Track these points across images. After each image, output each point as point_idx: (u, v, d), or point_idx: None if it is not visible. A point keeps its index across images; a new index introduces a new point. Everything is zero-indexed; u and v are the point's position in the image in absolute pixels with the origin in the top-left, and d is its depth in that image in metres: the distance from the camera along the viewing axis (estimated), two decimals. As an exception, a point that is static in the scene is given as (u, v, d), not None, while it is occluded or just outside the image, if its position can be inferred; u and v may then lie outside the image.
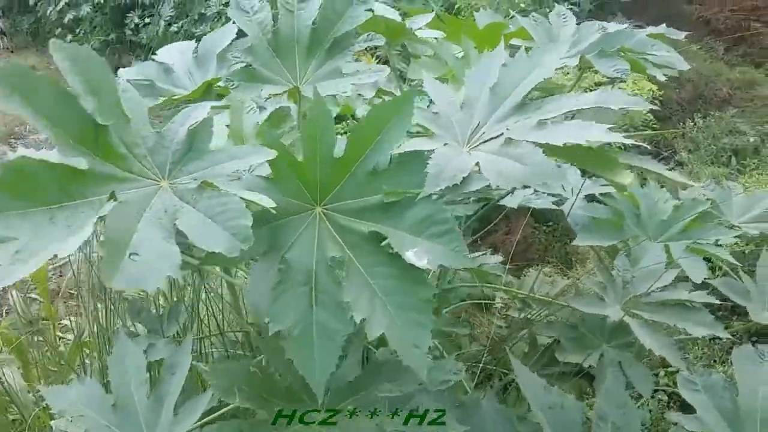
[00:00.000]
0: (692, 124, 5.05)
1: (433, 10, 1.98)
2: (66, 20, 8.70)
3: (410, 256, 1.18)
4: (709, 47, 6.12)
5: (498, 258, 2.60)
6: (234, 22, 1.76)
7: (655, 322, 1.86)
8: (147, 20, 7.94)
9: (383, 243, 1.24)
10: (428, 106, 1.55)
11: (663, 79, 1.86)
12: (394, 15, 1.84)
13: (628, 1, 6.20)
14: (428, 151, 1.26)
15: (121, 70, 1.76)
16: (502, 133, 1.29)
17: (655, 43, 1.90)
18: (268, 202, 1.15)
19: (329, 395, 1.44)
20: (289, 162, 1.28)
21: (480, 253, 2.63)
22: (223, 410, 1.46)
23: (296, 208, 1.29)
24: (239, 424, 1.41)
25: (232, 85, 1.64)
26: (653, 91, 4.75)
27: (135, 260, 1.05)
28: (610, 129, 1.22)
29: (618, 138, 1.22)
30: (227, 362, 1.47)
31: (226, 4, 6.56)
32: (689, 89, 5.39)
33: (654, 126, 4.84)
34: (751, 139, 4.81)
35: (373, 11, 1.68)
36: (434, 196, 1.22)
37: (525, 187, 1.17)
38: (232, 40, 1.82)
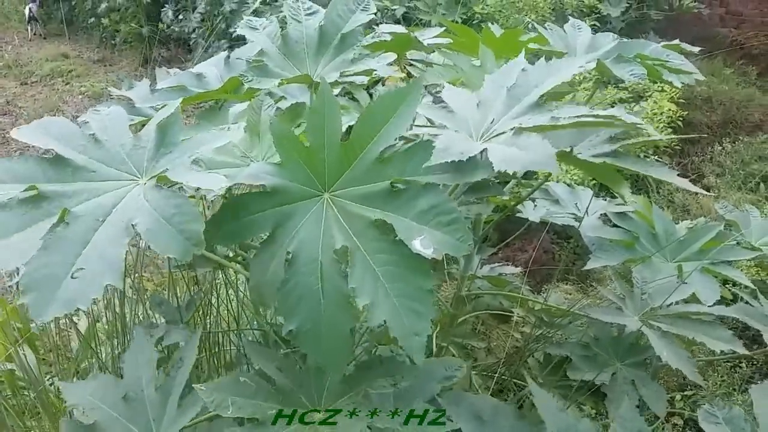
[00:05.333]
0: (721, 148, 5.00)
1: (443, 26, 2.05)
2: (99, 10, 8.81)
3: (416, 245, 1.18)
4: (743, 72, 6.06)
5: (516, 269, 2.59)
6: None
7: (672, 334, 1.84)
8: (180, 16, 8.02)
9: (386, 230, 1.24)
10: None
11: (678, 84, 1.89)
12: (402, 31, 1.90)
13: (661, 20, 6.16)
14: (435, 136, 1.27)
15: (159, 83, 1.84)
16: (514, 128, 1.29)
17: (670, 52, 1.92)
18: (214, 183, 1.19)
19: (326, 392, 1.45)
20: (297, 148, 1.30)
21: (498, 263, 2.63)
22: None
23: (304, 194, 1.30)
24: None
25: (247, 79, 1.69)
26: (672, 111, 4.70)
27: (77, 277, 1.11)
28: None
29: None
30: (219, 378, 1.50)
31: (263, 2, 6.62)
32: (720, 113, 5.33)
33: (676, 147, 4.79)
34: (781, 167, 4.74)
35: (375, 15, 1.78)
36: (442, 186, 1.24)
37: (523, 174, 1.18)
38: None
